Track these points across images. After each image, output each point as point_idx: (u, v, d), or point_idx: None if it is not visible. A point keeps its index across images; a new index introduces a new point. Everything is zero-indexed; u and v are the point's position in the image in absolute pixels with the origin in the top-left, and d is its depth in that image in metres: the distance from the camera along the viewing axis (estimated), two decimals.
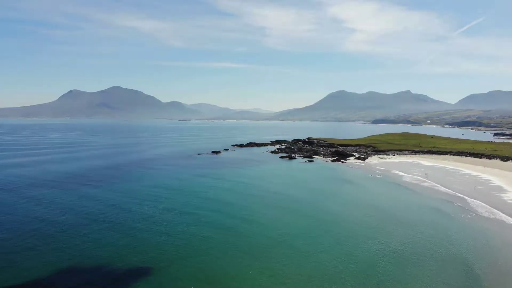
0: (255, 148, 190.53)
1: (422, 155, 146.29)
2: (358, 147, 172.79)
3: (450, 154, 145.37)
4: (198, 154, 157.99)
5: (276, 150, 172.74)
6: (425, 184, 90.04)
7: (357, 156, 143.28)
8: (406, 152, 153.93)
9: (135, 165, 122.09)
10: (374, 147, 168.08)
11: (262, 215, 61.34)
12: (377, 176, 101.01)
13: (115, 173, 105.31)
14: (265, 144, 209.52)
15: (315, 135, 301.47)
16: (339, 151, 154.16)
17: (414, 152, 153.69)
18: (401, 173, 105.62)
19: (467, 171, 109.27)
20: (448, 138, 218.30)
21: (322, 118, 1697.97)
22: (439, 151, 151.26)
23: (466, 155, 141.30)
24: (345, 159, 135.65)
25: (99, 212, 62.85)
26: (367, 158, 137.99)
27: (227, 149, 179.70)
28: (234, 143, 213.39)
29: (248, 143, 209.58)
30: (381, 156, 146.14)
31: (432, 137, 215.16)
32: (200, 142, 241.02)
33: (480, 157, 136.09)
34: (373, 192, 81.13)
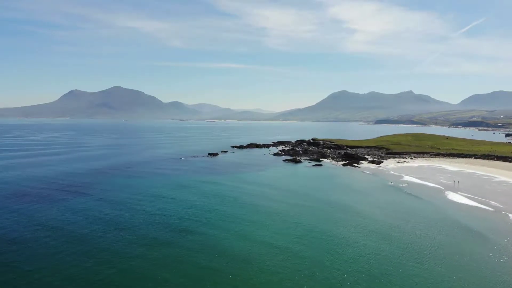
0: (256, 150, 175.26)
1: (443, 158, 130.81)
2: (369, 149, 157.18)
3: (475, 158, 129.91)
4: (193, 156, 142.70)
5: (279, 152, 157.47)
6: (461, 194, 74.49)
7: (370, 159, 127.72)
8: (424, 155, 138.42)
9: (120, 169, 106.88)
10: (387, 149, 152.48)
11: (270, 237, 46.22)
12: (401, 184, 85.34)
13: (94, 179, 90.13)
14: (267, 145, 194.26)
15: (319, 135, 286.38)
16: (349, 153, 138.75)
17: (433, 155, 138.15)
18: (427, 181, 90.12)
19: (503, 178, 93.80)
20: (464, 139, 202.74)
21: (324, 118, 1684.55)
22: (462, 154, 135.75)
23: (493, 159, 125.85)
24: (358, 163, 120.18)
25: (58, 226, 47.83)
26: (382, 162, 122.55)
27: (226, 151, 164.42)
28: (234, 144, 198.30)
29: (248, 144, 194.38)
30: (397, 159, 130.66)
31: (447, 138, 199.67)
32: (197, 143, 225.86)
33: (510, 161, 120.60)
34: (409, 207, 65.19)
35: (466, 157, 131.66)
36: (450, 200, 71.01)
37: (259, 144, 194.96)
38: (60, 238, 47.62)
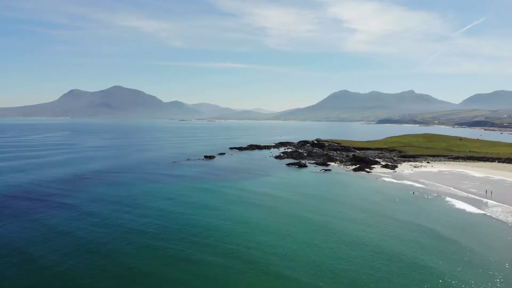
0: (257, 152, 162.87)
1: (463, 162, 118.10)
2: (379, 151, 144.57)
3: (498, 161, 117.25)
4: (187, 159, 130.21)
5: (281, 154, 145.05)
6: (500, 207, 61.98)
7: (383, 163, 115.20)
8: (441, 158, 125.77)
9: (102, 175, 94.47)
10: (400, 152, 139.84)
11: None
12: (427, 196, 72.60)
13: (70, 187, 77.67)
14: (268, 147, 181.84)
15: (321, 135, 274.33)
16: (359, 156, 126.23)
17: (451, 158, 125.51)
18: (454, 189, 77.64)
19: None
20: (478, 140, 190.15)
21: (325, 118, 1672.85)
22: (483, 157, 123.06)
23: None
24: (370, 168, 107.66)
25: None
26: (396, 167, 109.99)
27: (223, 153, 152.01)
28: (233, 145, 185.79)
29: (248, 146, 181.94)
30: (412, 163, 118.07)
31: (460, 139, 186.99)
32: (194, 144, 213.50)
33: None
34: (468, 225, 52.23)
35: (489, 161, 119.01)
36: (507, 217, 58.38)
37: (260, 145, 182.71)
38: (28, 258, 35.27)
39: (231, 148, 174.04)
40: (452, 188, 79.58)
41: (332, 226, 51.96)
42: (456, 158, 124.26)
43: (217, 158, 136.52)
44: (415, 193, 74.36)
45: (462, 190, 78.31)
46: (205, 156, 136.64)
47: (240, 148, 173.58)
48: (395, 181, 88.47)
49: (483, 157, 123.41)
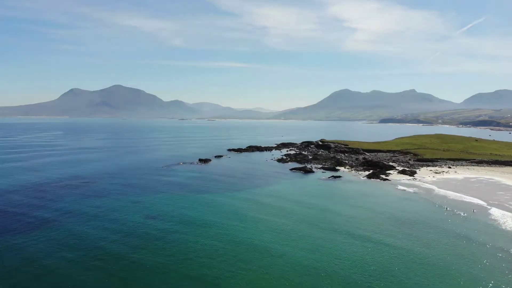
0: (257, 154, 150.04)
1: (489, 167, 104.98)
2: (392, 154, 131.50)
3: None
4: (180, 163, 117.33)
5: (284, 157, 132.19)
6: None
7: (400, 169, 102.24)
8: (463, 163, 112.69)
9: (77, 183, 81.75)
10: (415, 155, 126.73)
11: None
12: (463, 214, 59.48)
13: (35, 198, 65.03)
14: (269, 148, 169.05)
15: (325, 136, 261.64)
16: (371, 160, 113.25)
17: (475, 162, 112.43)
18: (491, 202, 64.66)
19: None
20: (496, 142, 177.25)
21: (326, 117, 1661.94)
22: (511, 161, 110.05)
23: None
24: (385, 174, 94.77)
25: None
26: (415, 173, 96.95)
27: (221, 156, 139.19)
28: (231, 147, 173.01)
29: (248, 147, 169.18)
30: (431, 168, 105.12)
31: (476, 140, 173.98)
32: (190, 145, 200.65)
33: None
34: None
35: None
36: None
37: (260, 147, 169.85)
38: None
39: (229, 150, 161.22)
40: (489, 201, 66.63)
41: (379, 251, 39.22)
42: (479, 163, 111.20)
43: (213, 161, 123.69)
44: (448, 208, 61.46)
45: (501, 203, 65.46)
46: (200, 160, 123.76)
47: (239, 150, 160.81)
48: (419, 191, 75.49)
49: (510, 161, 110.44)
